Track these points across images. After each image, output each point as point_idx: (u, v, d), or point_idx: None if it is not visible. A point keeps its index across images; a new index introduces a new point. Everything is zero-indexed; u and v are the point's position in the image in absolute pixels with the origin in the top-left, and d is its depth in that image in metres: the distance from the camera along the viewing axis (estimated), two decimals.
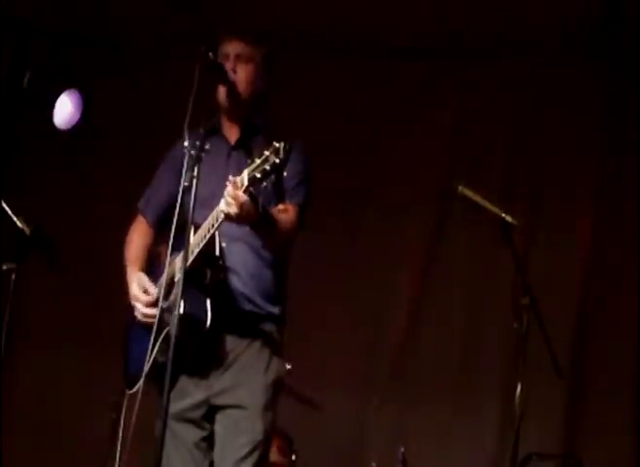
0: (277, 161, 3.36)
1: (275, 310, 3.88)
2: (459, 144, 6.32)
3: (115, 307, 4.08)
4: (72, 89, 5.57)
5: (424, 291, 6.21)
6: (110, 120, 6.24)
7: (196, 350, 3.70)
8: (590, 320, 5.96)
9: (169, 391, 3.35)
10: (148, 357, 3.67)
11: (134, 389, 3.82)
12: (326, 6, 5.95)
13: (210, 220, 3.62)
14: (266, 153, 3.38)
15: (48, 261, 4.46)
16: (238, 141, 3.94)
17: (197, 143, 3.48)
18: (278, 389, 3.88)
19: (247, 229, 3.66)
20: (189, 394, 3.80)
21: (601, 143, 6.12)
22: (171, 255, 3.50)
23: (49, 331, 6.39)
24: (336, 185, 6.06)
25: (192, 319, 3.59)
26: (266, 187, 3.43)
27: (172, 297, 3.65)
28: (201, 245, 3.65)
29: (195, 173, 3.45)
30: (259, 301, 3.83)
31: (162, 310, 3.58)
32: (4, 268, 4.42)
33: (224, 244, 3.71)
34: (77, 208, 6.48)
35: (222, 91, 3.83)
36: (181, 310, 3.42)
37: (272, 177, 3.39)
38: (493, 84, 6.25)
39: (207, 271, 3.70)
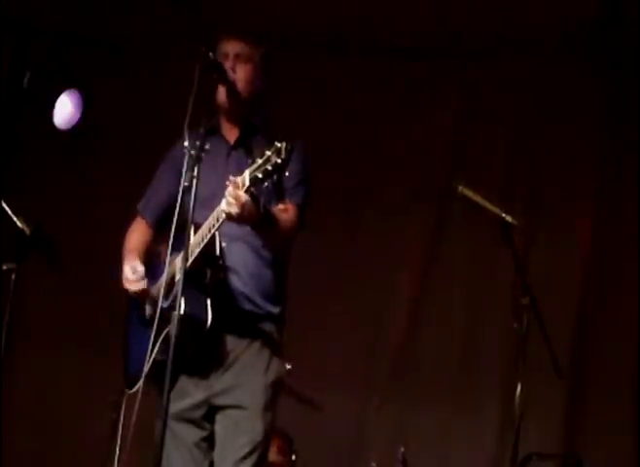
0: (279, 161, 3.36)
1: (275, 310, 3.88)
2: (459, 144, 6.32)
3: (115, 308, 4.08)
4: (72, 89, 5.57)
5: (424, 291, 6.21)
6: (110, 120, 6.24)
7: (197, 350, 3.70)
8: (590, 320, 5.96)
9: (169, 391, 3.35)
10: (148, 357, 3.67)
11: (134, 389, 3.82)
12: (326, 6, 5.95)
13: (211, 220, 3.62)
14: (268, 153, 3.38)
15: (48, 261, 4.46)
16: (238, 141, 3.94)
17: (197, 143, 3.48)
18: (278, 389, 3.88)
19: (247, 228, 3.67)
20: (189, 394, 3.80)
21: (601, 143, 6.12)
22: (171, 255, 3.50)
23: (49, 331, 6.39)
24: (336, 185, 6.06)
25: (192, 319, 3.59)
26: (267, 187, 3.43)
27: (172, 297, 3.65)
28: (202, 245, 3.65)
29: (195, 173, 3.45)
30: (259, 300, 3.83)
31: (162, 310, 3.58)
32: (4, 268, 4.42)
33: (224, 244, 3.71)
34: (77, 208, 6.48)
35: (221, 91, 3.83)
36: (181, 310, 3.42)
37: (274, 177, 3.39)
38: (493, 84, 6.25)
39: (207, 271, 3.70)
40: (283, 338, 3.92)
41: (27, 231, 4.40)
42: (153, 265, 3.94)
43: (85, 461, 5.81)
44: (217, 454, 3.82)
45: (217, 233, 3.65)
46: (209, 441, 3.85)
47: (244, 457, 3.75)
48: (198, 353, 3.73)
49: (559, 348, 4.82)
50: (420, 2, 5.91)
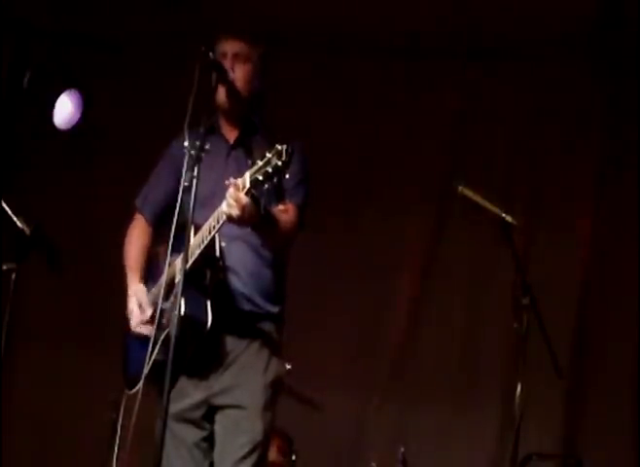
0: (280, 163, 3.36)
1: (275, 310, 3.88)
2: (459, 144, 6.32)
3: (115, 307, 4.08)
4: (72, 89, 5.56)
5: (424, 291, 6.21)
6: (110, 120, 6.24)
7: (196, 351, 3.70)
8: (590, 320, 5.96)
9: (169, 392, 3.35)
10: (148, 358, 3.67)
11: (134, 390, 3.82)
12: (326, 6, 5.95)
13: (211, 221, 3.63)
14: (269, 155, 3.38)
15: (48, 261, 4.45)
16: (237, 140, 3.94)
17: (197, 143, 3.48)
18: (277, 389, 3.89)
19: (247, 228, 3.67)
20: (188, 394, 3.80)
21: (601, 143, 6.12)
22: (171, 255, 3.50)
23: (49, 331, 6.38)
24: (336, 185, 6.06)
25: (192, 320, 3.59)
26: (267, 189, 3.43)
27: (172, 298, 3.65)
28: (202, 247, 3.65)
29: (195, 173, 3.45)
30: (258, 300, 3.83)
31: (162, 311, 3.58)
32: (4, 268, 4.41)
33: (223, 244, 3.72)
34: (77, 208, 6.48)
35: (221, 91, 3.83)
36: (181, 312, 3.42)
37: (274, 180, 3.39)
38: (493, 84, 6.25)
39: (207, 272, 3.70)
40: (283, 337, 3.92)
41: (27, 231, 4.39)
42: (152, 266, 3.94)
43: (85, 461, 5.81)
44: (217, 454, 3.83)
45: (217, 234, 3.65)
46: (209, 441, 3.86)
47: (244, 457, 3.75)
48: (198, 354, 3.73)
49: (559, 348, 4.81)
50: (420, 2, 5.91)
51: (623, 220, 5.93)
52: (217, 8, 5.90)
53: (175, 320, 3.39)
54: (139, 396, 3.63)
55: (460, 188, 4.56)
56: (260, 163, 3.40)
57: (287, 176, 3.43)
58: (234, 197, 3.45)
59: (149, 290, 3.89)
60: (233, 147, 3.94)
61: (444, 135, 6.35)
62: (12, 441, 6.04)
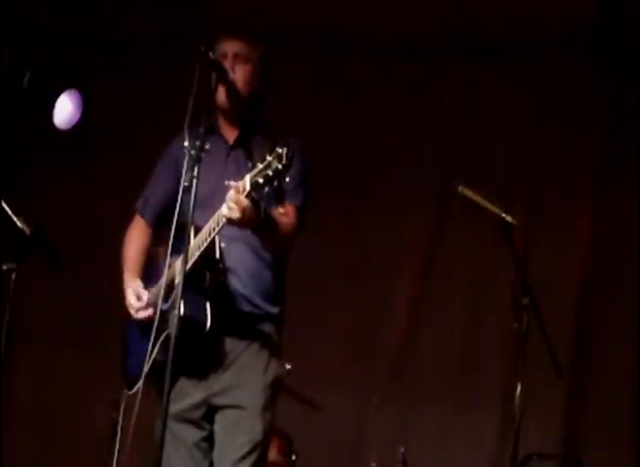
0: (280, 167, 3.36)
1: (275, 310, 3.88)
2: (459, 144, 6.32)
3: (115, 308, 4.08)
4: (72, 89, 5.56)
5: (424, 291, 6.21)
6: (110, 120, 6.24)
7: (195, 352, 3.70)
8: (590, 320, 5.96)
9: (169, 392, 3.35)
10: (147, 359, 3.67)
11: (134, 390, 3.82)
12: (326, 6, 5.95)
13: (211, 223, 3.62)
14: (269, 158, 3.38)
15: (48, 261, 4.45)
16: (237, 140, 3.94)
17: (197, 143, 3.48)
18: (277, 390, 3.89)
19: (247, 229, 3.67)
20: (188, 395, 3.80)
21: (601, 143, 6.13)
22: (171, 256, 3.50)
23: (49, 331, 6.38)
24: (335, 185, 6.06)
25: (191, 322, 3.59)
26: (267, 192, 3.43)
27: (172, 299, 3.65)
28: (202, 249, 3.65)
29: (195, 173, 3.45)
30: (258, 301, 3.83)
31: (162, 312, 3.58)
32: (4, 268, 4.41)
33: (223, 245, 3.71)
34: (77, 208, 6.48)
35: (221, 91, 3.83)
36: (181, 313, 3.42)
37: (275, 183, 3.39)
38: (493, 84, 6.25)
39: (207, 274, 3.70)
40: (282, 338, 3.92)
41: (27, 231, 4.39)
42: (152, 266, 3.95)
43: (85, 461, 5.81)
44: (216, 454, 3.83)
45: (216, 235, 3.65)
46: (209, 441, 3.86)
47: (243, 457, 3.75)
48: (197, 355, 3.73)
49: (559, 348, 4.81)
50: (420, 2, 5.91)
51: (623, 220, 5.93)
52: (217, 8, 5.90)
53: (175, 321, 3.39)
54: (139, 396, 3.63)
55: (460, 188, 4.56)
56: (260, 166, 3.39)
57: (287, 179, 3.42)
58: (235, 199, 3.44)
59: (148, 291, 3.89)
60: (233, 147, 3.93)
61: (444, 135, 6.35)
62: (12, 441, 6.04)
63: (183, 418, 3.81)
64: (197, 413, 3.83)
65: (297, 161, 3.70)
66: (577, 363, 5.86)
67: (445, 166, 6.26)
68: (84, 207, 6.48)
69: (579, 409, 5.87)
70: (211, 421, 3.85)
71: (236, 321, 3.78)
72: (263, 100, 4.03)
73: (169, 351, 3.33)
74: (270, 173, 3.37)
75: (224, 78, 3.76)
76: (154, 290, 3.87)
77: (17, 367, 5.91)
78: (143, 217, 4.09)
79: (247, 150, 3.85)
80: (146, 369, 3.74)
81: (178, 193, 3.46)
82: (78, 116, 5.57)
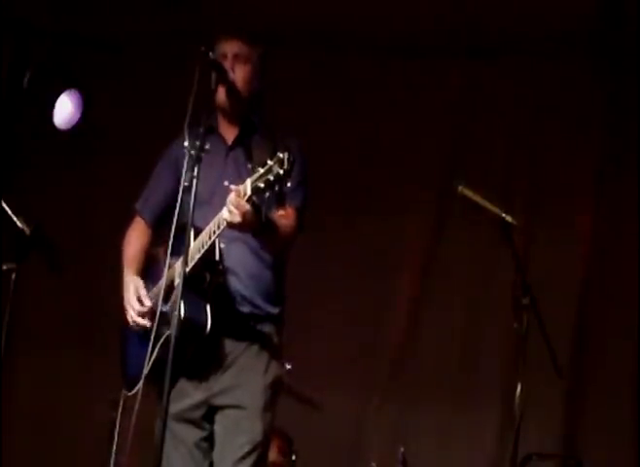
0: (281, 172, 3.36)
1: (275, 311, 3.88)
2: (459, 142, 6.32)
3: (114, 308, 4.07)
4: (72, 89, 5.56)
5: (424, 291, 6.21)
6: (110, 120, 6.24)
7: (195, 353, 3.70)
8: (590, 318, 5.96)
9: (169, 392, 3.35)
10: (147, 360, 3.67)
11: (134, 391, 3.82)
12: (324, 4, 5.95)
13: (212, 226, 3.62)
14: (270, 163, 3.38)
15: (48, 261, 4.45)
16: (236, 140, 3.94)
17: (197, 143, 3.48)
18: (277, 390, 3.89)
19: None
20: (188, 395, 3.80)
21: (601, 140, 6.13)
22: (171, 257, 3.50)
23: (49, 331, 6.38)
24: (335, 184, 6.06)
25: (191, 323, 3.59)
26: (268, 196, 3.43)
27: (172, 301, 3.65)
28: (202, 252, 3.65)
29: (195, 173, 3.45)
30: (259, 301, 3.83)
31: (162, 314, 3.58)
32: (4, 268, 4.41)
33: (222, 245, 3.71)
34: (77, 208, 6.48)
35: (221, 91, 3.82)
36: (181, 314, 3.42)
37: (275, 188, 3.39)
38: (493, 81, 6.24)
39: (207, 276, 3.70)
40: (283, 339, 3.92)
41: (27, 231, 4.39)
42: (151, 268, 3.94)
43: (85, 461, 5.81)
44: (216, 454, 3.83)
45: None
46: (209, 441, 3.86)
47: (243, 457, 3.75)
48: (197, 356, 3.73)
49: (559, 347, 4.81)
50: (419, 0, 5.90)
51: (623, 217, 5.93)
52: (216, 7, 5.90)
53: (175, 322, 3.38)
54: (139, 397, 3.63)
55: (460, 188, 4.56)
56: (261, 171, 3.39)
57: (289, 184, 3.42)
58: (235, 203, 3.44)
59: (148, 291, 3.89)
60: (232, 147, 3.93)
61: (444, 133, 6.35)
62: (12, 441, 6.03)
63: (183, 418, 3.81)
64: (198, 414, 3.83)
65: (296, 161, 3.69)
66: (577, 361, 5.86)
67: (445, 165, 6.26)
68: (84, 207, 6.48)
69: (579, 408, 5.87)
70: (211, 421, 3.85)
71: (237, 322, 3.78)
72: (262, 100, 4.02)
73: (169, 353, 3.33)
74: (272, 178, 3.37)
75: (224, 78, 3.76)
76: (154, 290, 3.87)
77: (17, 367, 5.90)
78: (143, 218, 4.09)
79: (246, 149, 3.85)
80: (146, 370, 3.74)
81: (178, 193, 3.46)
82: (78, 116, 5.57)
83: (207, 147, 3.50)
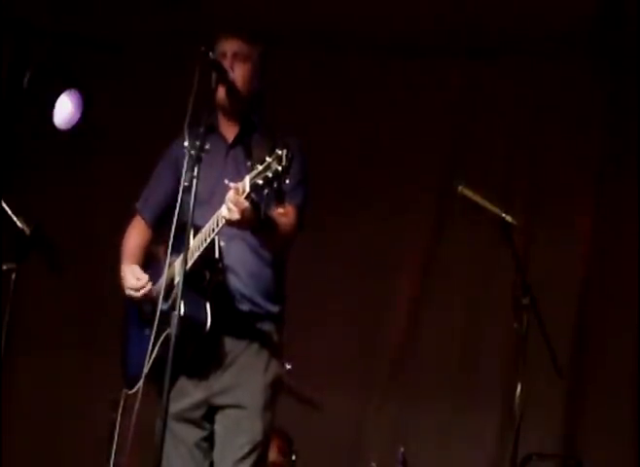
0: (280, 168, 3.36)
1: (275, 309, 3.88)
2: (459, 142, 6.32)
3: (114, 308, 4.08)
4: (72, 89, 5.57)
5: (424, 291, 6.20)
6: (110, 120, 6.24)
7: (195, 352, 3.70)
8: (590, 317, 5.96)
9: (169, 391, 3.35)
10: (147, 358, 3.67)
11: (134, 390, 3.82)
12: (324, 4, 5.95)
13: (211, 224, 3.62)
14: (268, 159, 3.38)
15: (48, 261, 4.45)
16: (236, 139, 3.94)
17: (197, 143, 3.48)
18: (277, 389, 3.89)
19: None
20: (188, 394, 3.80)
21: (601, 140, 6.13)
22: (171, 256, 3.50)
23: (49, 331, 6.38)
24: (335, 184, 6.06)
25: (191, 321, 3.59)
26: (267, 193, 3.43)
27: (172, 299, 3.65)
28: (202, 249, 3.65)
29: (195, 173, 3.45)
30: (259, 300, 3.83)
31: (162, 312, 3.58)
32: (4, 268, 4.41)
33: (222, 243, 3.71)
34: (77, 208, 6.48)
35: (221, 90, 3.82)
36: (181, 312, 3.42)
37: (274, 184, 3.39)
38: (493, 81, 6.24)
39: (206, 274, 3.70)
40: (283, 337, 3.92)
41: (27, 231, 4.39)
42: (151, 266, 3.95)
43: (85, 461, 5.81)
44: (216, 454, 3.83)
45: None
46: (209, 441, 3.86)
47: (244, 457, 3.75)
48: (197, 354, 3.73)
49: (559, 347, 4.81)
50: (419, 0, 5.91)
51: (623, 217, 5.93)
52: (216, 7, 5.90)
53: (175, 321, 3.38)
54: (139, 396, 3.63)
55: (460, 188, 4.56)
56: (259, 168, 3.39)
57: (287, 181, 3.42)
58: (234, 201, 3.45)
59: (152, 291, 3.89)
60: (232, 146, 3.93)
61: (444, 133, 6.35)
62: (12, 441, 6.03)
63: (183, 418, 3.81)
64: (198, 413, 3.83)
65: (296, 160, 3.69)
66: (577, 361, 5.86)
67: (445, 165, 6.26)
68: (84, 207, 6.48)
69: (579, 408, 5.87)
70: (211, 421, 3.85)
71: (236, 320, 3.78)
72: (263, 99, 4.02)
73: (169, 351, 3.33)
74: (270, 175, 3.37)
75: (224, 78, 3.76)
76: (155, 288, 3.87)
77: (17, 367, 5.91)
78: (143, 217, 4.09)
79: (246, 148, 3.85)
80: (146, 369, 3.74)
81: (178, 193, 3.46)
82: (78, 116, 5.57)
83: (207, 147, 3.50)
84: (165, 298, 3.63)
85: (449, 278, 6.12)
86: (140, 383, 3.77)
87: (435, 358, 6.03)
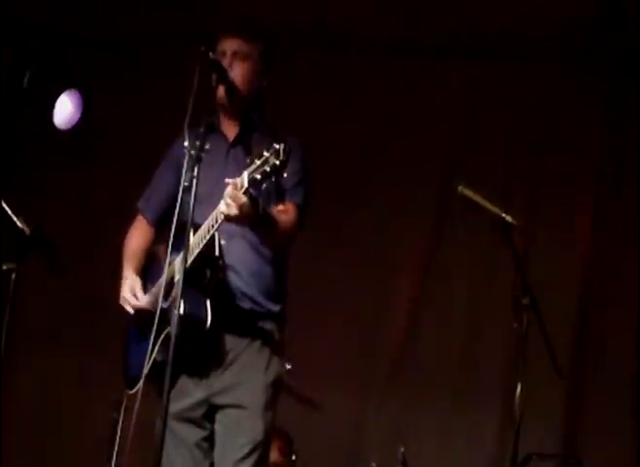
0: (277, 162, 3.36)
1: (276, 308, 3.88)
2: (459, 142, 6.32)
3: (115, 308, 4.07)
4: (72, 89, 5.57)
5: (424, 291, 6.20)
6: (110, 120, 6.24)
7: (196, 350, 3.70)
8: (590, 318, 5.96)
9: (169, 391, 3.35)
10: (148, 358, 3.67)
11: (134, 390, 3.82)
12: (324, 4, 5.95)
13: (210, 221, 3.62)
14: (266, 154, 3.38)
15: (48, 261, 4.45)
16: (237, 138, 3.94)
17: (197, 143, 3.48)
18: (278, 388, 3.88)
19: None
20: (188, 394, 3.80)
21: (601, 141, 6.13)
22: (171, 255, 3.50)
23: (49, 331, 6.38)
24: (335, 183, 6.06)
25: (192, 319, 3.59)
26: (266, 188, 3.43)
27: (172, 297, 3.65)
28: (201, 246, 3.65)
29: (195, 173, 3.45)
30: (260, 298, 3.83)
31: (162, 310, 3.58)
32: (4, 268, 4.41)
33: (223, 242, 3.71)
34: (77, 208, 6.48)
35: (221, 90, 3.82)
36: (181, 311, 3.42)
37: (272, 179, 3.39)
38: (494, 82, 6.24)
39: (207, 272, 3.70)
40: (284, 336, 3.92)
41: (27, 231, 4.39)
42: (152, 265, 3.94)
43: (85, 461, 5.81)
44: (217, 454, 3.82)
45: (216, 232, 3.65)
46: (210, 440, 3.85)
47: (244, 457, 3.74)
48: (198, 353, 3.73)
49: (560, 347, 4.81)
50: (419, 0, 5.91)
51: (623, 218, 5.93)
52: (216, 7, 5.90)
53: (175, 319, 3.38)
54: (139, 396, 3.62)
55: (460, 188, 4.56)
56: (257, 163, 3.39)
57: (285, 175, 3.42)
58: (232, 196, 3.45)
59: (149, 290, 3.89)
60: (233, 145, 3.93)
61: (444, 133, 6.35)
62: (12, 441, 6.03)
63: (183, 418, 3.81)
64: (198, 413, 3.82)
65: (296, 158, 3.71)
66: (577, 361, 5.86)
67: (445, 165, 6.26)
68: (84, 207, 6.48)
69: (579, 408, 5.87)
70: (212, 421, 3.84)
71: (237, 319, 3.78)
72: (263, 97, 4.02)
73: (170, 350, 3.33)
74: (268, 169, 3.37)
75: (223, 77, 3.76)
76: (154, 290, 3.87)
77: (17, 367, 5.90)
78: (145, 216, 4.09)
79: (247, 147, 3.85)
80: (146, 369, 3.74)
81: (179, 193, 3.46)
82: (78, 116, 5.58)
83: (207, 147, 3.49)
84: (166, 296, 3.63)
85: (449, 278, 6.11)
86: (140, 383, 3.77)
87: (435, 358, 6.03)
